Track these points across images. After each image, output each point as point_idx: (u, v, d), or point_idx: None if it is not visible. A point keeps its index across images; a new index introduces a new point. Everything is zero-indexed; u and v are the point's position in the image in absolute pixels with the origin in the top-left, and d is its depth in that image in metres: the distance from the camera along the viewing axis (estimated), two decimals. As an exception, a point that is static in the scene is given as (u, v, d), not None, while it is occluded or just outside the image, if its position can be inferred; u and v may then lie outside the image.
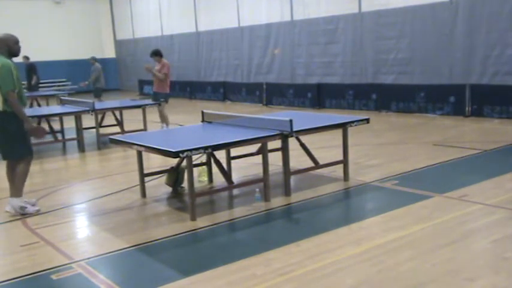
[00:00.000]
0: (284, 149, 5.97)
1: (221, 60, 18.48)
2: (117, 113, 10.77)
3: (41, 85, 17.37)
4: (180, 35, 20.30)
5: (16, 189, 5.70)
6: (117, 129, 10.42)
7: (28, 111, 11.24)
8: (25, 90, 15.73)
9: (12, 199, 5.72)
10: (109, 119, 10.86)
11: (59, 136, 10.43)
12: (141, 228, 5.22)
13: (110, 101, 14.06)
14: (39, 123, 10.14)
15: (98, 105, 10.48)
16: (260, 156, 5.93)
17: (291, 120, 5.70)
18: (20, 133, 5.63)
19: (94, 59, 15.53)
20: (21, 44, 5.80)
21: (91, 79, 15.15)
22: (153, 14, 21.82)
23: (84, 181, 6.67)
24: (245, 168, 7.20)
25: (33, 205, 5.85)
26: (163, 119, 11.08)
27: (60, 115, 10.29)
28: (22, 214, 5.69)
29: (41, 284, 4.07)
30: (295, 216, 5.55)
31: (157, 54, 11.13)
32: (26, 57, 16.11)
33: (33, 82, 16.35)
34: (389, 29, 12.93)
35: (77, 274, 4.15)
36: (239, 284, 3.81)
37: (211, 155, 6.14)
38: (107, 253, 4.59)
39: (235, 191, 6.32)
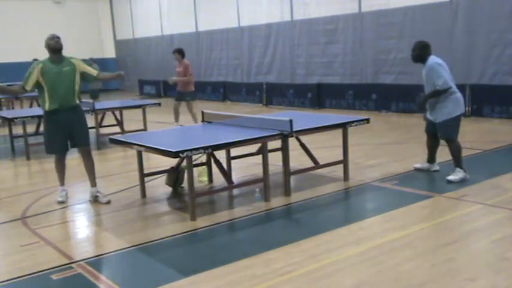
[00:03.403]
0: (284, 149, 5.97)
1: (221, 60, 18.47)
2: (117, 113, 10.77)
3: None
4: (180, 35, 20.28)
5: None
6: (117, 129, 10.41)
7: (29, 111, 11.29)
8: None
9: None
10: (109, 119, 10.86)
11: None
12: (141, 228, 5.22)
13: (109, 101, 14.04)
14: (38, 124, 10.15)
15: (98, 105, 10.47)
16: (260, 156, 5.93)
17: (291, 120, 5.70)
18: (44, 131, 6.17)
19: (92, 60, 15.53)
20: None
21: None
22: (153, 14, 21.80)
23: (84, 181, 6.65)
24: (245, 168, 7.20)
25: (61, 197, 6.19)
26: (192, 117, 11.19)
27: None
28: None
29: (41, 284, 4.07)
30: (295, 216, 5.56)
31: (180, 52, 11.50)
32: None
33: None
34: (390, 29, 12.92)
35: (77, 274, 4.15)
36: (239, 284, 3.80)
37: (211, 155, 6.14)
38: (107, 253, 4.59)
39: (235, 191, 6.32)
